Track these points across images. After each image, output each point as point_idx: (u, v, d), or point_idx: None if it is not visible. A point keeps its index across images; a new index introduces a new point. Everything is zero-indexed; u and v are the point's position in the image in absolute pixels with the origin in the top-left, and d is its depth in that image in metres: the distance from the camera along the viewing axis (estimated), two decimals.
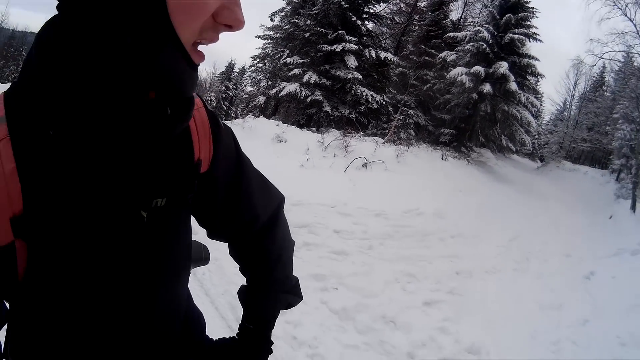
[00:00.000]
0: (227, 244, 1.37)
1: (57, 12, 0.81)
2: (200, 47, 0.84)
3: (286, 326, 4.25)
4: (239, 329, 1.37)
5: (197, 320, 1.38)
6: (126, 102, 0.80)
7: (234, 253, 1.37)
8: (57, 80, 0.77)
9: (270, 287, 1.34)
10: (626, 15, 19.40)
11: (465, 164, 17.59)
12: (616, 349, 5.08)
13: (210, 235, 1.29)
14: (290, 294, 1.41)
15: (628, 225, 12.04)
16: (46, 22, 0.83)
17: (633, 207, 13.62)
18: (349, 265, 6.20)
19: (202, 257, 1.65)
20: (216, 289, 4.71)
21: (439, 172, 13.94)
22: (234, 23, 0.82)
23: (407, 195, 10.32)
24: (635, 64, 22.67)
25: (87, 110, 0.79)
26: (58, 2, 0.78)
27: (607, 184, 20.56)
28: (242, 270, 1.38)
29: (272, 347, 1.40)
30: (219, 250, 1.33)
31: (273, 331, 1.39)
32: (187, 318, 1.28)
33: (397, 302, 5.29)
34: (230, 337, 1.38)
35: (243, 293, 1.36)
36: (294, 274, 1.42)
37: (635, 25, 19.70)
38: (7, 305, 0.95)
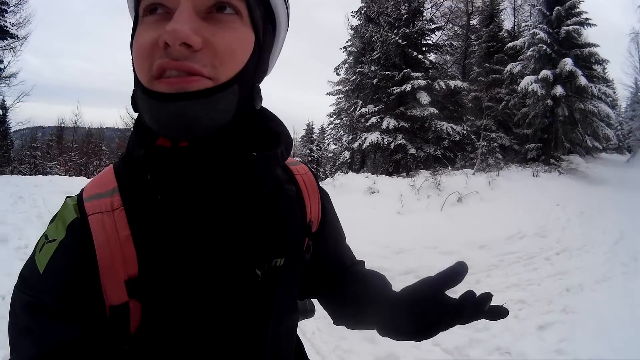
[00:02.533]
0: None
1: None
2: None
3: None
4: None
5: None
6: (148, 154, 0.85)
7: (329, 301, 1.36)
8: (146, 150, 0.85)
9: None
10: None
11: (557, 176, 17.23)
12: None
13: (319, 297, 1.35)
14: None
15: None
16: None
17: None
18: None
19: (307, 309, 1.66)
20: (327, 346, 4.79)
21: (533, 190, 13.77)
22: (166, 38, 0.77)
23: (506, 220, 10.31)
24: None
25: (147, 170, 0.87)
26: None
27: None
28: (336, 318, 1.35)
29: None
30: None
31: None
32: None
33: (510, 331, 5.32)
34: None
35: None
36: None
37: None
38: None
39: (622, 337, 5.12)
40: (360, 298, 1.25)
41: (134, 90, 0.88)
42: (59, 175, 32.78)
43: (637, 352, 4.76)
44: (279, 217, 1.04)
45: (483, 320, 1.02)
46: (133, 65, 0.87)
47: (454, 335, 5.20)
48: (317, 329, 5.21)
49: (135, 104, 0.88)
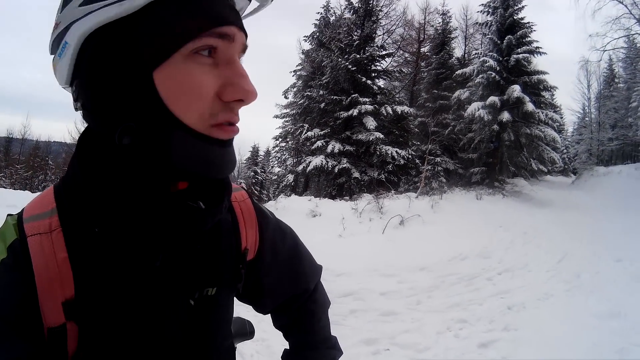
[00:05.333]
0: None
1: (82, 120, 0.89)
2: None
3: None
4: None
5: None
6: (152, 197, 0.84)
7: (279, 322, 1.44)
8: (94, 184, 0.84)
9: (317, 344, 1.40)
10: None
11: (500, 198, 17.56)
12: None
13: (263, 312, 1.38)
14: (334, 349, 1.44)
15: None
16: (83, 131, 0.92)
17: None
18: (399, 324, 6.14)
19: (247, 331, 1.71)
20: None
21: (476, 213, 13.91)
22: (243, 96, 0.82)
23: (448, 243, 10.33)
24: (638, 44, 23.21)
25: (122, 210, 0.84)
26: (82, 114, 0.87)
27: None
28: (286, 334, 1.44)
29: None
30: (266, 331, 1.38)
31: None
32: None
33: (451, 351, 5.22)
34: None
35: (289, 356, 1.40)
36: (341, 343, 1.48)
37: (626, 6, 20.29)
38: None
39: (566, 352, 5.08)
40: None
41: (152, 128, 0.80)
42: (4, 187, 32.24)
43: None
44: (214, 249, 1.05)
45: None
46: (155, 97, 0.78)
47: (396, 357, 5.16)
48: (255, 352, 5.13)
49: (142, 140, 0.80)
